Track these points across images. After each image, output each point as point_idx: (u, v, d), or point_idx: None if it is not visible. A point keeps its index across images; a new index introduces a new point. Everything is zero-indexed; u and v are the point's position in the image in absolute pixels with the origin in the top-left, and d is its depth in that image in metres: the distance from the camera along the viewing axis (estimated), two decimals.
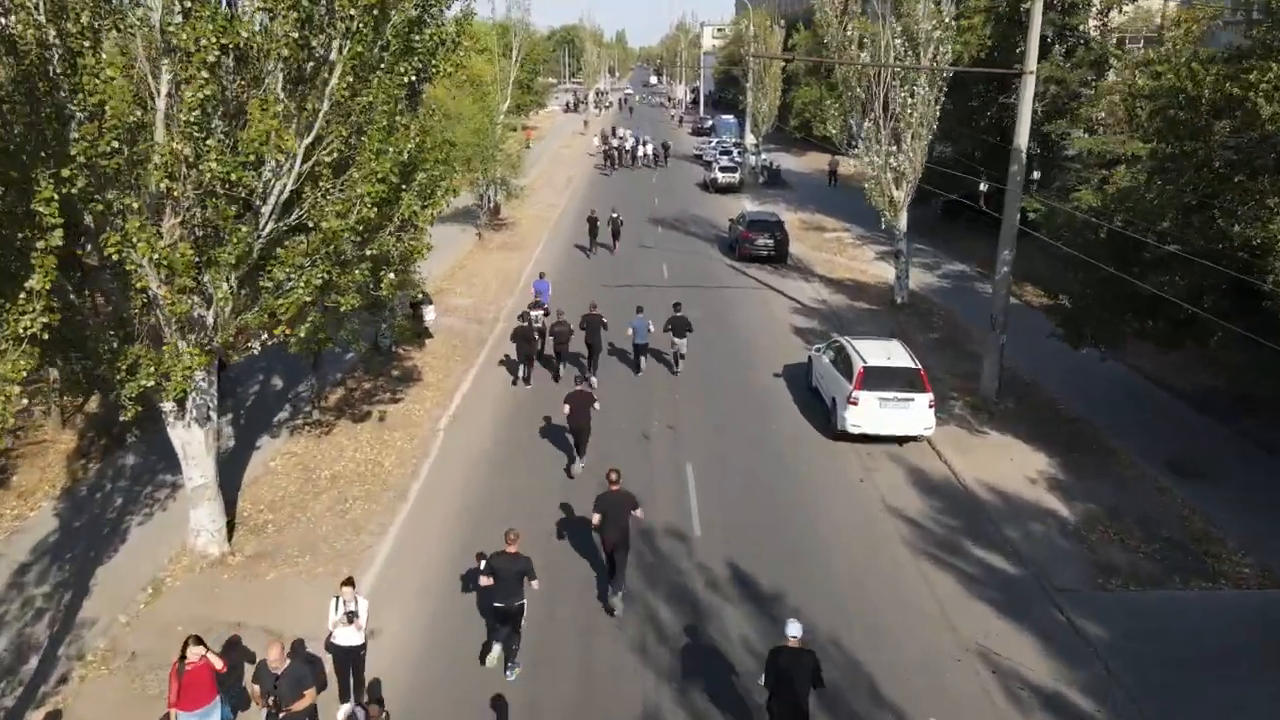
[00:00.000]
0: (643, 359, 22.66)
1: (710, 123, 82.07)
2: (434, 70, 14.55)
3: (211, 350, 12.68)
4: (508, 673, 11.54)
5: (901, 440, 18.67)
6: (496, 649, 11.64)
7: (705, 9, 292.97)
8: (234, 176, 11.39)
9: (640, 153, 62.16)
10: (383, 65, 13.01)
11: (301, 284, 12.40)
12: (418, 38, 13.65)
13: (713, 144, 64.07)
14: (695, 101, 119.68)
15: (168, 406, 13.06)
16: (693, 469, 17.55)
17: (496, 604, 11.38)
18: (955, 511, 16.11)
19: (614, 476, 13.13)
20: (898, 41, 25.89)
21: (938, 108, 26.47)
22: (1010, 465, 17.74)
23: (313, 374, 19.83)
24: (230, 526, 14.79)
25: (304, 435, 18.72)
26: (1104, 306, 17.24)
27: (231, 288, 12.23)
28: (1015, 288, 30.70)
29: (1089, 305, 17.62)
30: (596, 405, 17.24)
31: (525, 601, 11.49)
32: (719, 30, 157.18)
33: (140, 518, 15.35)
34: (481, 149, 36.14)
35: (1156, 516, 15.78)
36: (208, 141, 11.13)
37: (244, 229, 11.66)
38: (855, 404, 18.13)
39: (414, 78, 13.79)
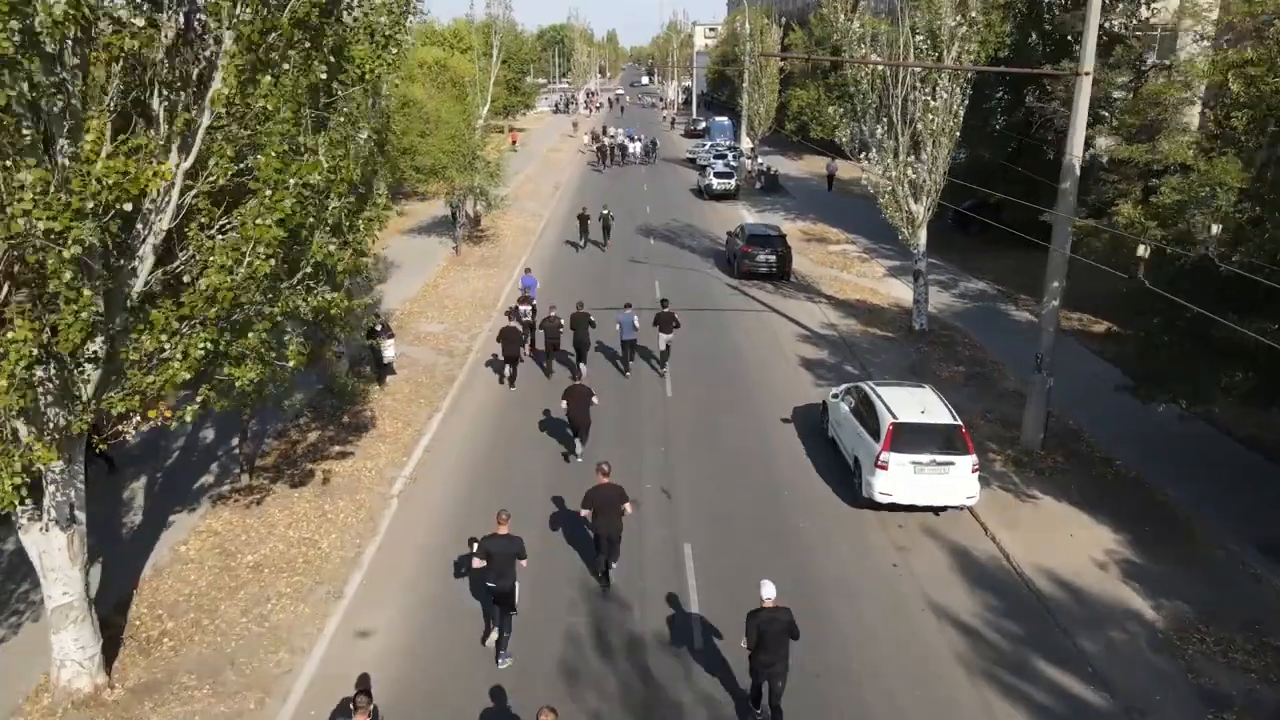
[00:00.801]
0: (630, 360, 22.43)
1: (703, 124, 78.99)
2: (360, 72, 11.48)
3: (64, 442, 9.59)
4: (499, 662, 11.63)
5: (939, 509, 15.69)
6: (495, 633, 11.91)
7: (697, 8, 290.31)
8: (68, 230, 8.12)
9: (630, 149, 62.87)
10: (286, 61, 9.92)
11: (179, 356, 9.33)
12: (330, 30, 10.58)
13: (706, 147, 61.09)
14: (687, 102, 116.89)
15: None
16: (692, 551, 14.52)
17: (490, 585, 11.56)
18: (1015, 612, 13.10)
19: (605, 469, 13.24)
20: (918, 38, 22.87)
21: (961, 112, 23.50)
22: (1071, 544, 14.74)
23: (246, 428, 16.65)
24: (116, 642, 11.73)
25: (229, 506, 15.61)
26: (1192, 356, 14.19)
27: (83, 365, 9.13)
28: (1038, 307, 27.89)
29: (1173, 353, 14.54)
30: (595, 400, 17.22)
31: (517, 582, 11.69)
32: (711, 29, 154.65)
33: None
34: (458, 156, 33.07)
35: (1261, 618, 12.80)
36: (19, 176, 7.91)
37: (86, 294, 8.43)
38: (884, 469, 15.12)
39: (324, 75, 10.70)
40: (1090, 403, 19.69)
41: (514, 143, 68.08)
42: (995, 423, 19.36)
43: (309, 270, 11.04)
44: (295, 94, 9.89)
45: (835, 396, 18.12)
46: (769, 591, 10.31)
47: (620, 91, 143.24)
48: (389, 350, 21.26)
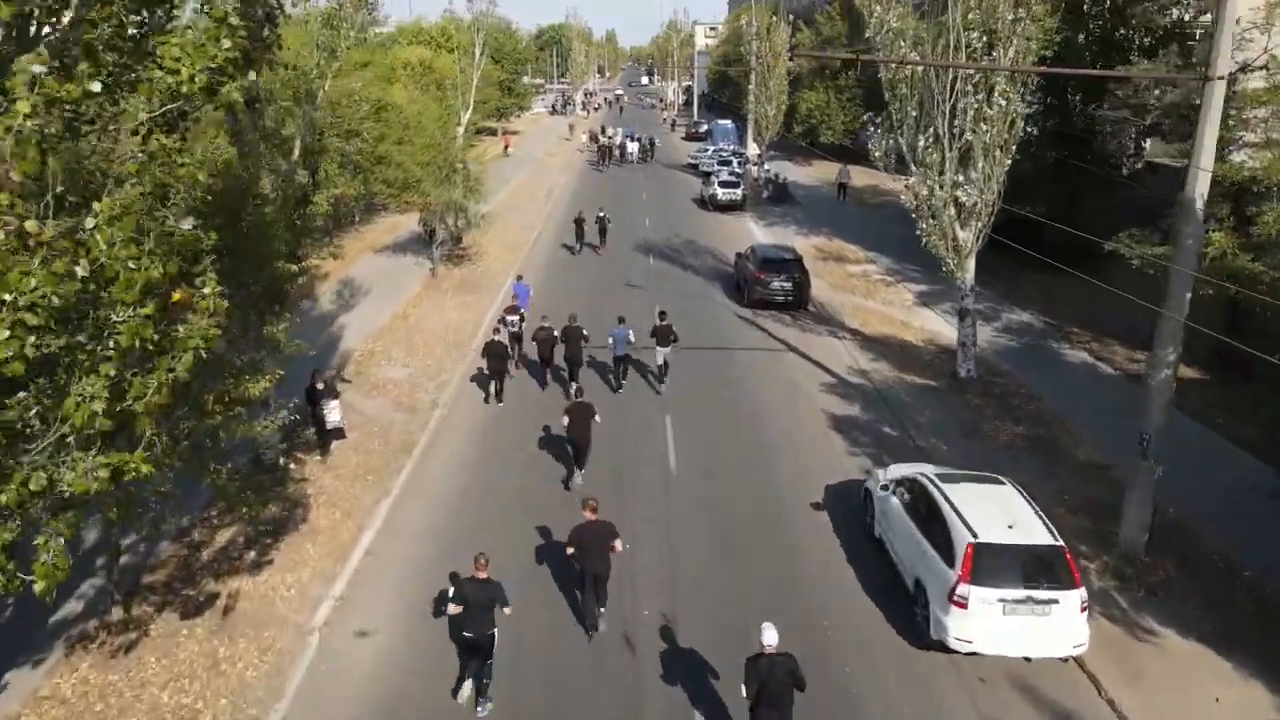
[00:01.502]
0: (623, 376, 20.95)
1: (705, 127, 74.98)
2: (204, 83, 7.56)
3: None
4: (480, 709, 10.77)
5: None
6: (468, 685, 10.97)
7: (697, 8, 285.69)
8: None
9: (629, 148, 61.60)
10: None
11: None
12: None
13: (709, 152, 57.13)
14: (688, 103, 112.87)
15: None
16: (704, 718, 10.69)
17: (466, 634, 10.77)
18: None
19: (593, 505, 12.25)
20: (972, 34, 18.90)
21: (1020, 122, 19.57)
22: (1221, 714, 10.84)
23: (116, 541, 12.54)
24: None
25: (90, 654, 11.67)
26: None
27: None
28: (1096, 344, 23.98)
29: None
30: (597, 419, 16.19)
31: (496, 631, 10.84)
32: (711, 29, 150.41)
33: None
34: (433, 168, 29.14)
35: None
36: None
37: None
38: (962, 606, 11.20)
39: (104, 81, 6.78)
40: (1184, 478, 15.71)
41: (506, 147, 64.18)
42: (1078, 511, 15.42)
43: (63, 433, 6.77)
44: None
45: (885, 489, 14.13)
46: (770, 637, 9.36)
47: (619, 92, 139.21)
48: (333, 414, 17.29)
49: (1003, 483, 13.11)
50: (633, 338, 20.40)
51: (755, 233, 39.01)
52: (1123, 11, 27.54)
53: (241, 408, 11.04)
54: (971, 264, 20.67)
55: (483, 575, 10.75)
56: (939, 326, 25.93)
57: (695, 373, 22.25)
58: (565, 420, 15.92)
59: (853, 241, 36.77)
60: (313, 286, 29.24)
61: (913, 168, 20.50)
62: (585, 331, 20.30)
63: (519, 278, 26.28)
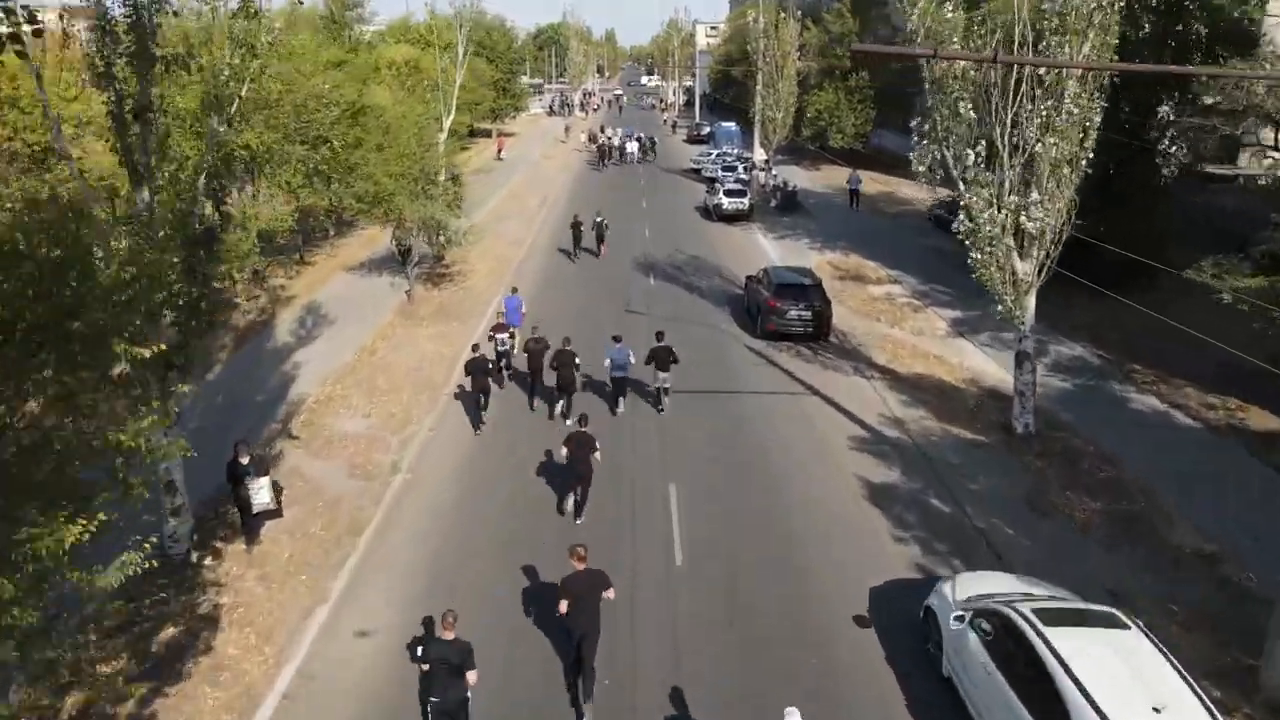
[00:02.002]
0: (621, 399, 19.35)
1: (707, 129, 71.58)
2: None
3: None
4: None
5: None
6: None
7: (698, 6, 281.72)
8: None
9: (628, 148, 60.23)
10: None
11: None
12: None
13: (712, 156, 53.80)
14: (689, 103, 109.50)
15: None
16: None
17: (433, 698, 9.74)
18: None
19: (581, 553, 10.97)
20: (1049, 23, 15.54)
21: (1094, 133, 16.22)
22: None
23: None
24: None
25: None
26: None
27: None
28: (1163, 386, 20.61)
29: None
30: (598, 455, 14.92)
31: (470, 695, 9.81)
32: (713, 28, 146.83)
33: None
34: (407, 180, 25.78)
35: None
36: None
37: None
38: None
39: None
40: None
41: (500, 151, 60.81)
42: (1193, 627, 12.08)
43: None
44: None
45: (959, 619, 10.75)
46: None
47: (619, 92, 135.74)
48: (260, 494, 13.90)
49: (1127, 626, 9.72)
50: (632, 358, 18.77)
51: (764, 247, 35.65)
52: (1181, 4, 24.25)
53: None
54: (1032, 302, 17.32)
55: (449, 634, 9.80)
56: (980, 363, 22.56)
57: (704, 422, 18.91)
58: (564, 451, 14.80)
59: (872, 257, 33.39)
60: (274, 314, 25.94)
61: (961, 186, 17.14)
62: (578, 358, 18.64)
63: (513, 290, 24.18)
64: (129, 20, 11.58)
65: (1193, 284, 20.14)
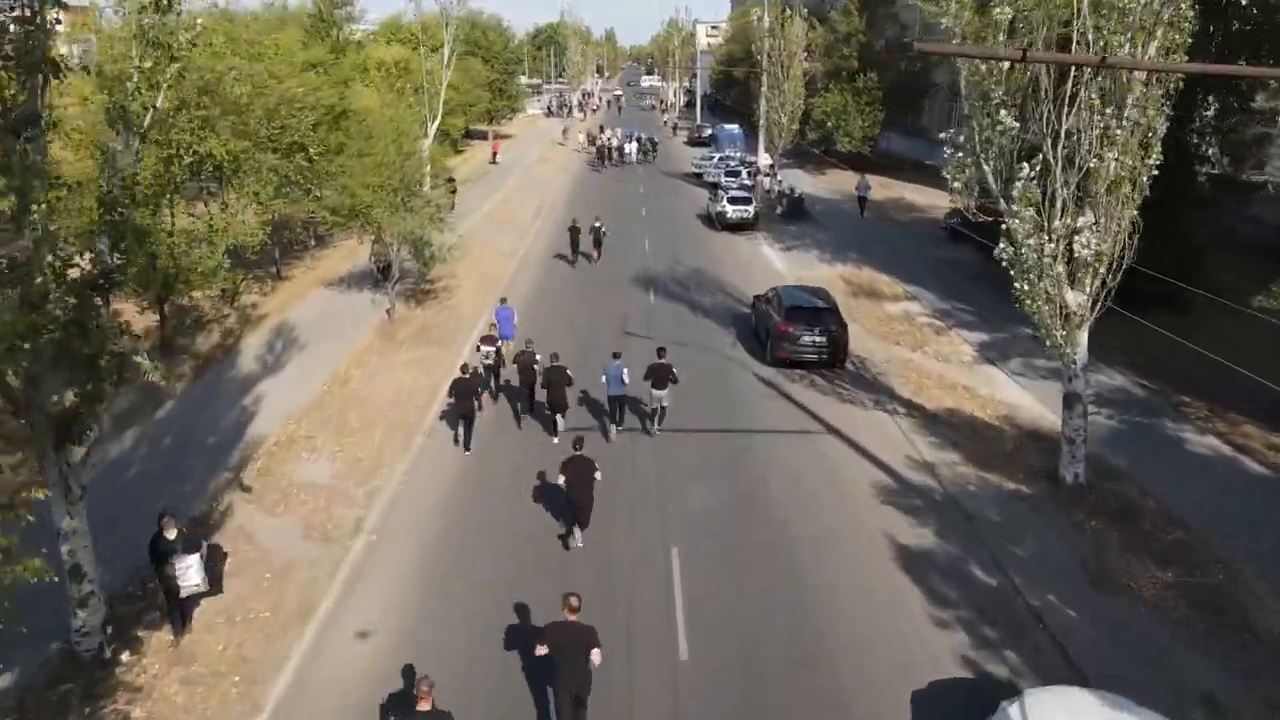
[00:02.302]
0: (616, 420, 18.18)
1: (709, 131, 69.37)
2: None
3: None
4: None
5: None
6: None
7: (699, 6, 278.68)
8: None
9: (627, 149, 59.38)
10: None
11: None
12: None
13: (715, 160, 51.64)
14: (689, 104, 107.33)
15: None
16: None
17: None
18: None
19: (574, 603, 9.84)
20: (1103, 23, 13.36)
21: (1159, 145, 14.06)
22: None
23: None
24: None
25: None
26: None
27: None
28: (1219, 423, 18.40)
29: None
30: (598, 475, 13.90)
31: None
32: (713, 28, 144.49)
33: None
34: (386, 192, 23.66)
35: None
36: None
37: None
38: None
39: None
40: None
41: (495, 154, 58.61)
42: None
43: None
44: None
45: None
46: None
47: (618, 92, 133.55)
48: (189, 575, 11.69)
49: None
50: (627, 377, 17.59)
51: (771, 259, 33.50)
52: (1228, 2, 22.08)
53: None
54: (1084, 337, 15.14)
55: (425, 706, 8.91)
56: (1014, 395, 20.40)
57: (710, 466, 16.81)
58: (562, 478, 13.84)
59: (886, 270, 31.21)
60: (242, 337, 23.80)
61: (1002, 204, 14.98)
62: (570, 373, 17.61)
63: (502, 301, 23.32)
64: (19, 14, 9.43)
65: (1235, 297, 18.09)
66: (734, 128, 57.83)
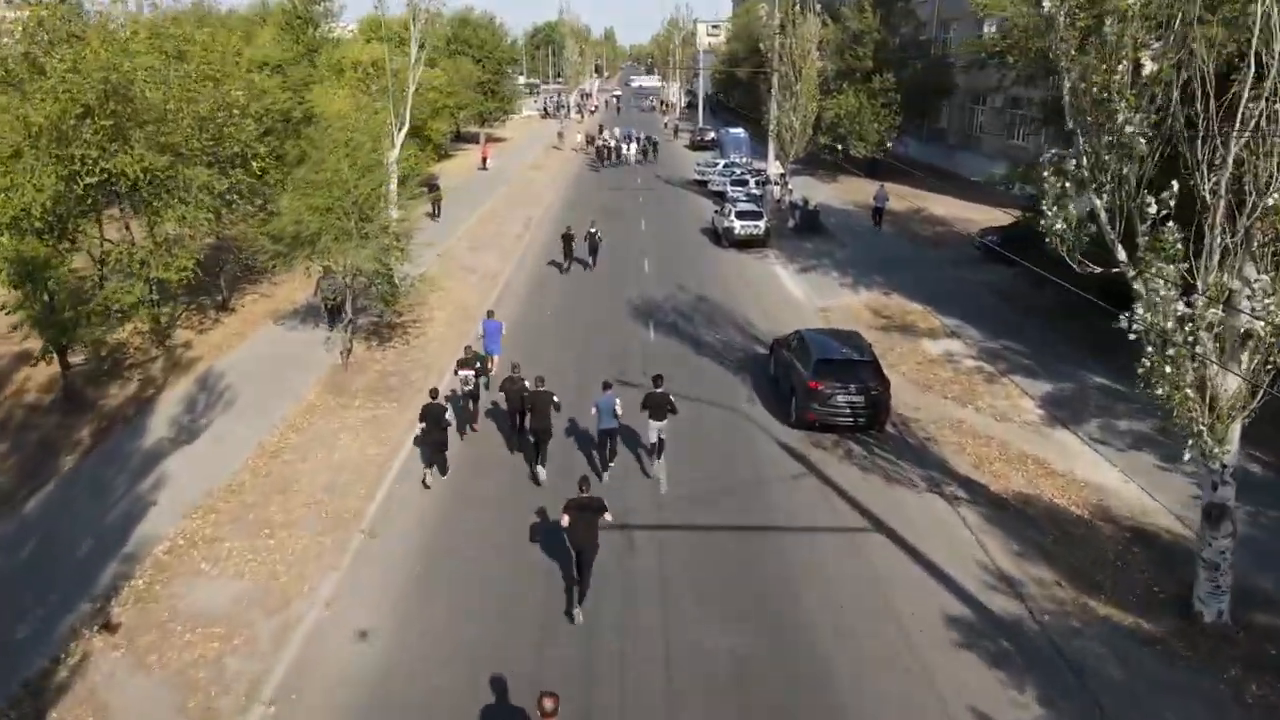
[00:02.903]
0: (608, 457, 16.15)
1: (712, 135, 65.42)
2: None
3: None
4: None
5: None
6: None
7: (700, 5, 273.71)
8: None
9: (625, 149, 57.98)
10: None
11: None
12: None
13: (719, 167, 47.73)
14: (691, 105, 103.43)
15: None
16: None
17: None
18: None
19: (548, 706, 8.39)
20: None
21: None
22: None
23: None
24: None
25: None
26: None
27: None
28: None
29: None
30: (608, 516, 12.25)
31: None
32: (714, 27, 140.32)
33: None
34: (335, 219, 19.71)
35: None
36: None
37: None
38: None
39: None
40: None
41: (485, 160, 54.61)
42: None
43: None
44: None
45: None
46: None
47: (618, 93, 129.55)
48: None
49: None
50: (619, 408, 15.91)
51: (786, 283, 29.57)
52: None
53: None
54: (1237, 432, 11.15)
55: None
56: (1098, 471, 16.41)
57: (725, 588, 12.82)
58: (564, 521, 12.23)
59: (917, 298, 27.23)
60: (162, 388, 19.82)
61: (1120, 255, 11.00)
62: (556, 398, 15.85)
63: (489, 314, 21.89)
64: None
65: None
66: (739, 132, 53.79)
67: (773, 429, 18.33)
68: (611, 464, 16.24)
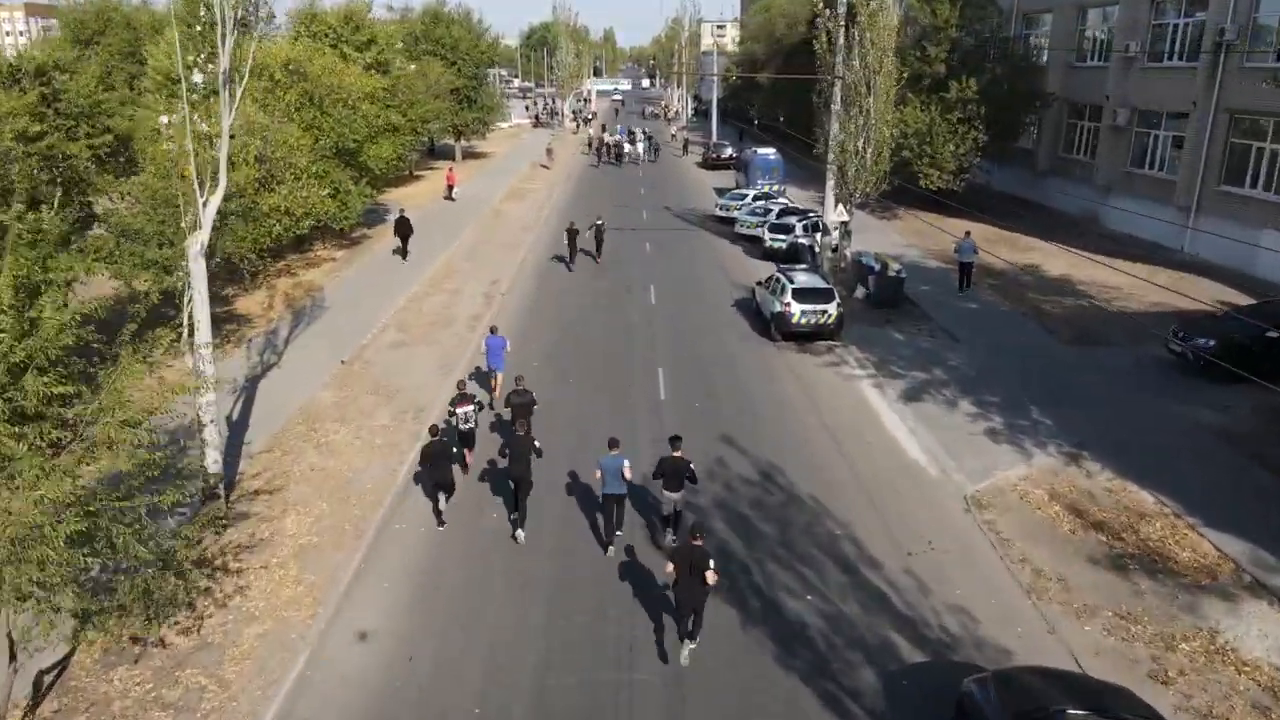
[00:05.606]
0: (614, 525, 13.53)
1: (729, 151, 53.68)
2: None
3: None
4: None
5: None
6: None
7: (702, 6, 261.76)
8: None
9: (627, 149, 56.93)
10: None
11: None
12: None
13: (748, 200, 36.32)
14: (698, 112, 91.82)
15: None
16: None
17: None
18: None
19: None
20: None
21: None
22: None
23: None
24: None
25: None
26: None
27: None
28: None
29: None
30: (713, 574, 10.86)
31: None
32: (719, 27, 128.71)
33: None
34: None
35: None
36: None
37: None
38: None
39: None
40: None
41: (450, 188, 42.89)
42: None
43: None
44: None
45: None
46: None
47: (618, 98, 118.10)
48: None
49: None
50: (628, 472, 12.97)
51: (887, 425, 17.90)
52: None
53: None
54: None
55: None
56: None
57: None
58: (669, 569, 10.90)
59: (1133, 472, 15.43)
60: None
61: None
62: (538, 444, 13.73)
63: (493, 330, 18.92)
64: None
65: None
66: (770, 153, 41.83)
67: None
68: (619, 532, 13.43)
